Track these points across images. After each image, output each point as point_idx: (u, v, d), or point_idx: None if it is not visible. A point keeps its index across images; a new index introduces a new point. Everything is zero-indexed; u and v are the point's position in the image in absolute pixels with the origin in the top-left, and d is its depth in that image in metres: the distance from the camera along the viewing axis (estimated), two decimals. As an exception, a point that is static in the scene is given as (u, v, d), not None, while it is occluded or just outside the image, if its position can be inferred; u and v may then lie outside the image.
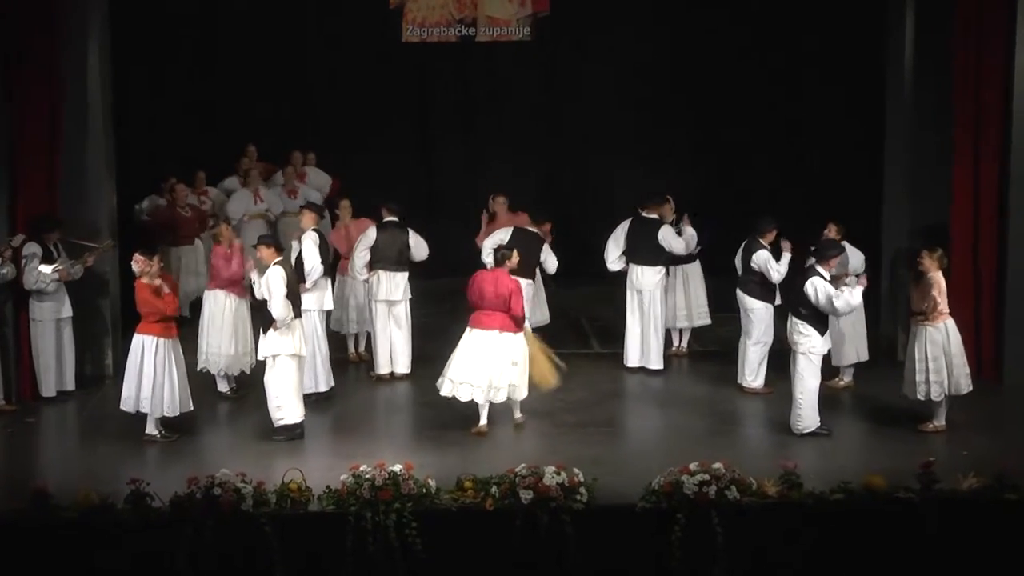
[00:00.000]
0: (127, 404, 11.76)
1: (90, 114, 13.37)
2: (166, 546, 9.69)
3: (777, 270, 12.83)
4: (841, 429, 12.02)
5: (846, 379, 13.29)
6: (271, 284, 11.64)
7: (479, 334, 11.92)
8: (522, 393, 12.00)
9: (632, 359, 13.84)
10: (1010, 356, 13.20)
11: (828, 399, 12.04)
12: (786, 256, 12.90)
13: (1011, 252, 13.13)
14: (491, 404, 11.93)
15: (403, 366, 13.64)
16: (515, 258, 12.21)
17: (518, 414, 12.14)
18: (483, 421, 11.96)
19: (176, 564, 9.69)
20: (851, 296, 11.72)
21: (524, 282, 13.49)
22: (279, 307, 11.58)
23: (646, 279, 13.76)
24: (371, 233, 13.49)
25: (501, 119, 17.84)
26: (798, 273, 11.92)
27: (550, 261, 13.80)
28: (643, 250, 13.72)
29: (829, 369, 12.54)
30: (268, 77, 17.31)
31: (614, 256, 13.89)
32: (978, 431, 11.84)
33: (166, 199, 15.74)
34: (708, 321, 14.54)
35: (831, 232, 12.79)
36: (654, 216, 13.79)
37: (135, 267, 11.81)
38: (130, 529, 9.76)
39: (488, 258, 13.75)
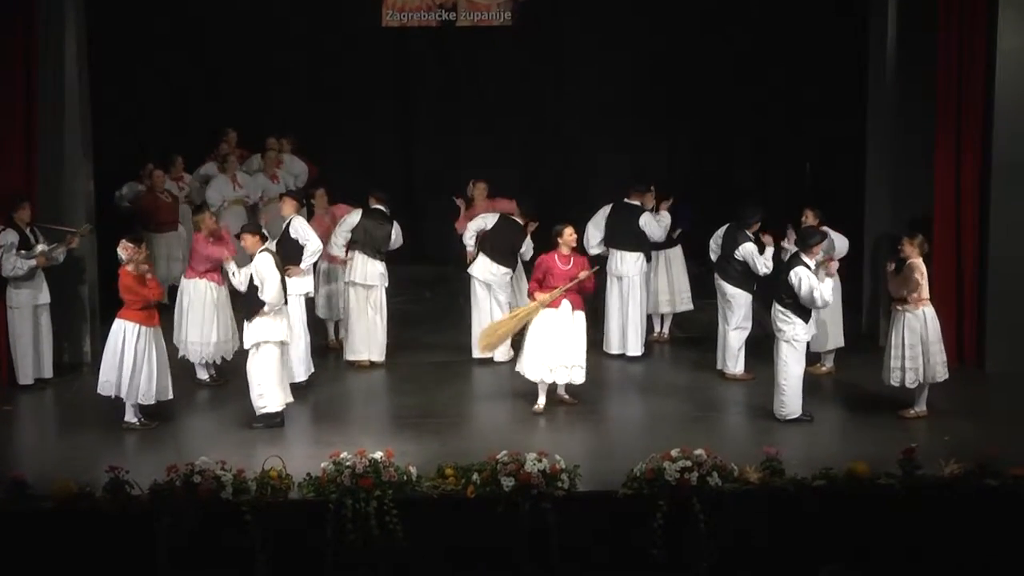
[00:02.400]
0: (105, 388, 11.64)
1: (67, 98, 13.26)
2: (145, 534, 9.63)
3: (765, 264, 12.77)
4: (823, 415, 12.01)
5: (827, 365, 13.28)
6: (262, 270, 11.55)
7: (549, 313, 12.11)
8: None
9: (613, 345, 13.82)
10: (991, 343, 13.21)
11: (810, 385, 12.02)
12: (769, 250, 12.86)
13: (992, 239, 13.13)
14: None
15: (378, 353, 13.58)
16: (568, 233, 12.25)
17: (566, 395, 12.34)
18: (541, 400, 12.16)
19: (156, 552, 9.64)
20: (826, 291, 11.67)
21: (504, 270, 13.50)
22: (272, 292, 11.50)
23: (627, 265, 13.73)
24: (354, 217, 13.41)
25: (482, 104, 17.78)
26: (780, 261, 11.89)
27: (527, 250, 13.71)
28: (623, 236, 13.69)
29: (810, 355, 12.53)
30: (247, 62, 17.21)
31: (595, 240, 13.86)
32: (960, 418, 11.85)
33: (145, 185, 15.66)
34: (691, 307, 14.52)
35: (807, 219, 12.75)
36: (636, 203, 13.76)
37: (122, 254, 11.70)
38: (109, 517, 9.69)
39: (470, 243, 13.70)
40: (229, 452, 10.43)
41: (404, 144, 18.09)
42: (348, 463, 9.90)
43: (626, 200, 13.80)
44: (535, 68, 17.84)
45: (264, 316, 11.56)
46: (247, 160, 16.71)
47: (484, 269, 13.58)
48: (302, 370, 12.83)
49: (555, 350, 12.06)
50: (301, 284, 12.83)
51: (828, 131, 16.41)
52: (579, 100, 17.69)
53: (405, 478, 9.95)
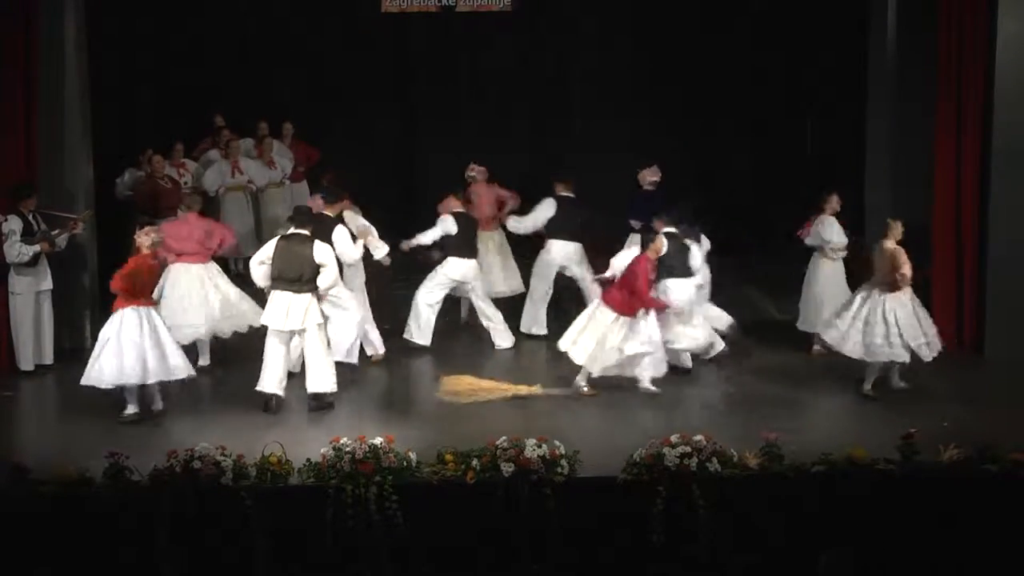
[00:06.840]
0: (109, 378, 11.46)
1: (66, 83, 13.27)
2: (145, 520, 9.66)
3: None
4: (821, 400, 12.04)
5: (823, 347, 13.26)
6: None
7: (602, 308, 12.10)
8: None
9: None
10: (991, 328, 13.21)
11: (807, 369, 12.04)
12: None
13: (992, 224, 13.13)
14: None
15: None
16: (660, 242, 12.23)
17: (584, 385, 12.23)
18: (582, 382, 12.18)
19: (156, 538, 9.66)
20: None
21: (468, 263, 13.45)
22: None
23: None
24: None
25: (482, 89, 17.79)
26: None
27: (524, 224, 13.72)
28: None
29: (808, 337, 12.57)
30: (246, 49, 17.20)
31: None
32: (959, 403, 11.84)
33: (144, 171, 15.65)
34: None
35: (832, 204, 12.83)
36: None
37: (145, 240, 11.56)
38: (109, 503, 9.72)
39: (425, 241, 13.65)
40: (229, 437, 10.42)
41: (404, 129, 18.09)
42: (348, 448, 9.91)
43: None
44: (535, 53, 17.85)
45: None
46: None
47: (456, 268, 13.55)
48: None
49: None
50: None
51: (828, 119, 16.42)
52: (581, 85, 17.68)
53: (405, 464, 9.97)
